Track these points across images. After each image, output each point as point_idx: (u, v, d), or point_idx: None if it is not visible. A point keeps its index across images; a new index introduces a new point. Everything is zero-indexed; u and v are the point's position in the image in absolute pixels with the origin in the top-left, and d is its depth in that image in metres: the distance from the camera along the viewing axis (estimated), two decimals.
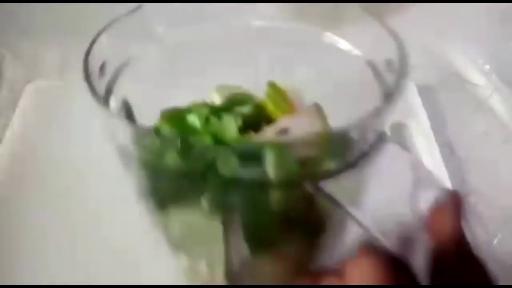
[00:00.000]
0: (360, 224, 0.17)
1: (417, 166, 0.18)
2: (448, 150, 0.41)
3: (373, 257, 0.17)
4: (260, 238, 0.18)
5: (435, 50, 0.51)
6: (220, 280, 0.21)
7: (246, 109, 0.22)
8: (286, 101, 0.23)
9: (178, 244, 0.22)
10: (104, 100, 0.19)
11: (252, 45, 0.23)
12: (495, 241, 0.34)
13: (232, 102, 0.22)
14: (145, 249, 0.31)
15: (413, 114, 0.42)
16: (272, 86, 0.23)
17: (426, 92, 0.46)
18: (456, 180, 0.38)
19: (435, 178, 0.19)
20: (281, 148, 0.17)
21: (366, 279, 0.17)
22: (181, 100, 0.23)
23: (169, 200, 0.19)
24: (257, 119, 0.22)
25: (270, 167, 0.16)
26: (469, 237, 0.34)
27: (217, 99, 0.23)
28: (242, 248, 0.18)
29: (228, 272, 0.20)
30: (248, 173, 0.16)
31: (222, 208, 0.17)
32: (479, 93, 0.46)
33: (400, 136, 0.41)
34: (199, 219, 0.18)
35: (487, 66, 0.49)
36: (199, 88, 0.24)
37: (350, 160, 0.17)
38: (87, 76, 0.18)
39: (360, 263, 0.17)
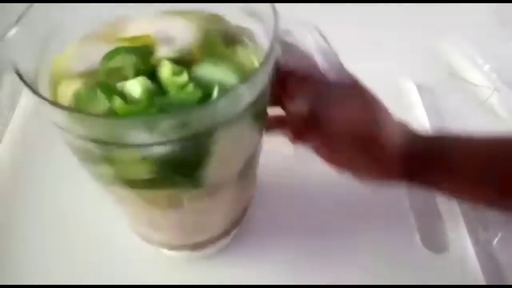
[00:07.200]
0: None
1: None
2: None
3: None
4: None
5: (435, 50, 0.51)
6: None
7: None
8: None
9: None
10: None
11: None
12: (495, 241, 0.34)
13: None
14: (144, 247, 0.31)
15: (413, 114, 0.42)
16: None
17: (426, 92, 0.46)
18: None
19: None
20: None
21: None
22: None
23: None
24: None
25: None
26: (469, 237, 0.34)
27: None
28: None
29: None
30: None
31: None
32: (479, 93, 0.46)
33: None
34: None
35: (487, 66, 0.49)
36: None
37: None
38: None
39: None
